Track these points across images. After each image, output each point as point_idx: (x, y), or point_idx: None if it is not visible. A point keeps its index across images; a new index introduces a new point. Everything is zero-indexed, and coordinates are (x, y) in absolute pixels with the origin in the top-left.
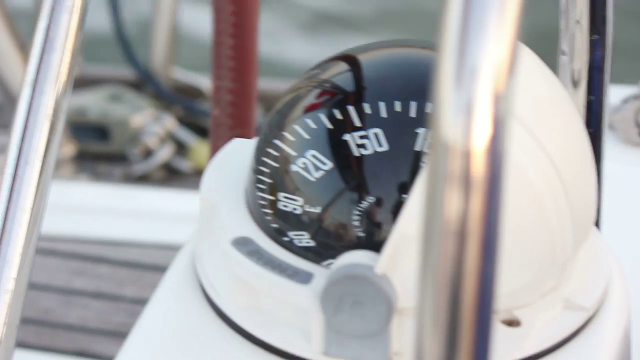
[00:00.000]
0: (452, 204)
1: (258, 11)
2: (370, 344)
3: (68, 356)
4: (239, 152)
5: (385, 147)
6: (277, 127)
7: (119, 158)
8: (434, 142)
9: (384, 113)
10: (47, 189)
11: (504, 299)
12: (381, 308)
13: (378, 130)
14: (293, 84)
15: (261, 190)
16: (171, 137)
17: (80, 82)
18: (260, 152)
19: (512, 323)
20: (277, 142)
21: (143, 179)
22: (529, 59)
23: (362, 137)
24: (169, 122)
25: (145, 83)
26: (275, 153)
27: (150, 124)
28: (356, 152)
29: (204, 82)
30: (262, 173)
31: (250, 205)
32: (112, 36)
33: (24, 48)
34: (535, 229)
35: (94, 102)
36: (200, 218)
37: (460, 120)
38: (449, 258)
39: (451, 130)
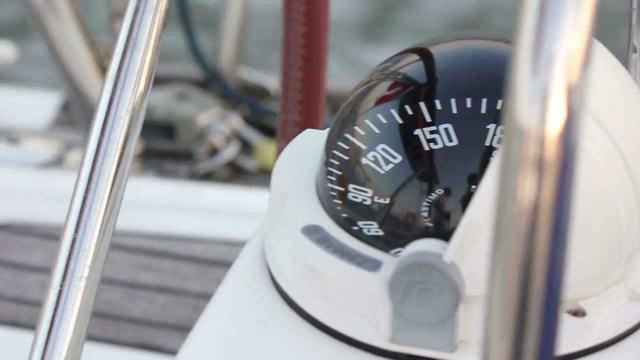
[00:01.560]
0: (525, 187)
1: (328, 12)
2: (437, 331)
3: (131, 349)
4: (310, 143)
5: (455, 141)
6: (348, 120)
7: (185, 156)
8: (509, 127)
9: (454, 109)
10: (124, 181)
11: (570, 290)
12: (449, 296)
13: (448, 126)
14: (366, 76)
15: (331, 181)
16: (237, 136)
17: None
18: (331, 144)
19: (577, 313)
20: (347, 135)
21: (208, 177)
22: (602, 53)
23: (432, 132)
24: (235, 121)
25: (212, 82)
26: (345, 146)
27: (217, 123)
28: (426, 146)
29: (271, 81)
30: (332, 165)
31: (320, 195)
32: (181, 36)
33: (94, 45)
34: (603, 220)
35: (161, 101)
36: (270, 207)
37: (535, 106)
38: (520, 241)
39: (526, 116)
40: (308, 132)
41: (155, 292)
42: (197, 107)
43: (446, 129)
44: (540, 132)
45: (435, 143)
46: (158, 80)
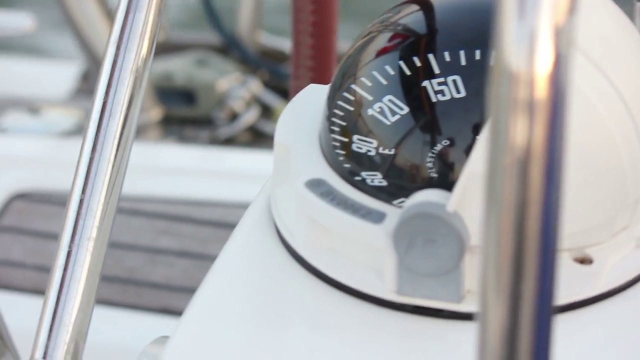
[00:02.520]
0: (516, 129)
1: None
2: (442, 282)
3: (153, 313)
4: (314, 97)
5: (462, 93)
6: (352, 72)
7: (205, 122)
8: (497, 71)
9: (463, 61)
10: (130, 142)
11: (576, 237)
12: (453, 246)
13: (457, 77)
14: (367, 28)
15: (335, 132)
16: (257, 101)
17: (166, 48)
18: (335, 96)
19: (584, 261)
20: (353, 86)
21: (229, 142)
22: (604, 2)
23: (440, 83)
24: (255, 86)
25: (231, 48)
26: (350, 97)
27: (236, 88)
28: (434, 97)
29: (289, 46)
30: (336, 116)
31: (323, 148)
32: (198, 2)
33: (110, 15)
34: (606, 167)
35: (180, 67)
36: (275, 162)
37: (523, 49)
38: (513, 184)
39: (514, 59)
40: (311, 87)
41: (176, 257)
42: (216, 72)
43: (454, 81)
44: (528, 75)
45: (443, 94)
46: (177, 47)
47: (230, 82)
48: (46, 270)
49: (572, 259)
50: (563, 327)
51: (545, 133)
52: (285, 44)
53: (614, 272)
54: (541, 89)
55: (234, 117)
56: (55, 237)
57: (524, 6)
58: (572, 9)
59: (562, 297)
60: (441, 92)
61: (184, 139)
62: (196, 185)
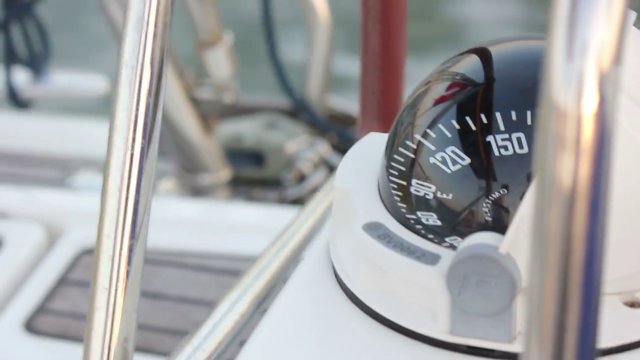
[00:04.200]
0: (562, 167)
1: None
2: (495, 322)
3: (160, 357)
4: (374, 145)
5: (525, 149)
6: (416, 121)
7: (273, 183)
8: (545, 110)
9: (529, 121)
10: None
11: (625, 281)
12: (505, 287)
13: (521, 135)
14: (427, 77)
15: (394, 175)
16: (324, 163)
17: (237, 111)
18: (395, 143)
19: (634, 305)
20: (416, 136)
21: (296, 203)
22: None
23: (504, 139)
24: (323, 148)
25: (300, 111)
26: (412, 145)
27: (305, 150)
28: (497, 152)
29: (357, 109)
30: (396, 161)
31: (381, 193)
32: (270, 66)
33: (183, 75)
34: None
35: (250, 129)
36: (335, 206)
37: (570, 90)
38: (558, 220)
39: (561, 100)
40: (371, 135)
41: (191, 304)
42: (285, 135)
43: (518, 138)
44: (575, 114)
45: (506, 150)
46: (248, 110)
47: (298, 144)
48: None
49: (622, 302)
50: None
51: (590, 172)
52: (353, 108)
53: None
54: (587, 129)
55: (302, 178)
56: None
57: (572, 48)
58: (619, 51)
59: (612, 339)
60: (505, 147)
61: (252, 199)
62: (263, 243)
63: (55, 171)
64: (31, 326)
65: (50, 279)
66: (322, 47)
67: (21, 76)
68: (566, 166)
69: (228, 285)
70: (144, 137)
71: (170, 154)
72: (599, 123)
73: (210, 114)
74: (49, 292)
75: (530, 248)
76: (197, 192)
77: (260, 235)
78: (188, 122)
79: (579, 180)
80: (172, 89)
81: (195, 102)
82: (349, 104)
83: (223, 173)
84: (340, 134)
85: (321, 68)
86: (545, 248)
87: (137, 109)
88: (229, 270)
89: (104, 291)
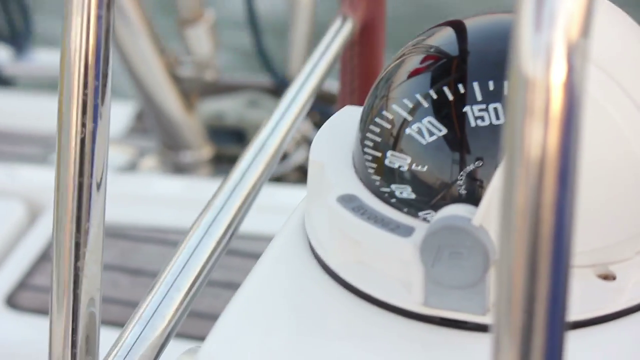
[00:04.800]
0: (531, 136)
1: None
2: (468, 294)
3: (197, 341)
4: (349, 118)
5: (502, 120)
6: (392, 92)
7: None
8: (513, 80)
9: (506, 91)
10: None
11: (600, 254)
12: (478, 259)
13: (498, 105)
14: (402, 49)
15: (368, 146)
16: (306, 141)
17: (218, 89)
18: (370, 114)
19: (607, 277)
20: (393, 106)
21: (278, 180)
22: (619, 17)
23: (481, 109)
24: (305, 126)
25: (282, 89)
26: (389, 115)
27: None
28: (473, 122)
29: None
30: (372, 132)
31: (356, 164)
32: (252, 46)
33: (164, 52)
34: (630, 184)
35: (232, 108)
36: (309, 179)
37: (538, 60)
38: (527, 188)
39: (530, 70)
40: (347, 108)
41: (222, 288)
42: (267, 112)
43: (495, 109)
44: (543, 84)
45: (483, 120)
46: (228, 88)
47: None
48: None
49: (595, 275)
50: (585, 341)
51: (558, 141)
52: (335, 86)
53: (637, 288)
54: (555, 99)
55: (284, 156)
56: (105, 266)
57: (540, 19)
58: (587, 22)
59: (584, 311)
60: (481, 117)
61: None
62: (245, 219)
63: (37, 148)
64: (13, 301)
65: (31, 255)
66: (303, 24)
67: (3, 53)
68: (535, 136)
69: None
70: (94, 120)
71: (152, 131)
72: (567, 93)
73: (192, 91)
74: (30, 268)
75: (500, 218)
76: (179, 169)
77: None
78: (169, 99)
79: (547, 150)
80: (153, 66)
81: (176, 80)
82: (331, 82)
83: (205, 150)
84: (322, 112)
85: (303, 45)
86: (514, 218)
87: (84, 93)
88: None
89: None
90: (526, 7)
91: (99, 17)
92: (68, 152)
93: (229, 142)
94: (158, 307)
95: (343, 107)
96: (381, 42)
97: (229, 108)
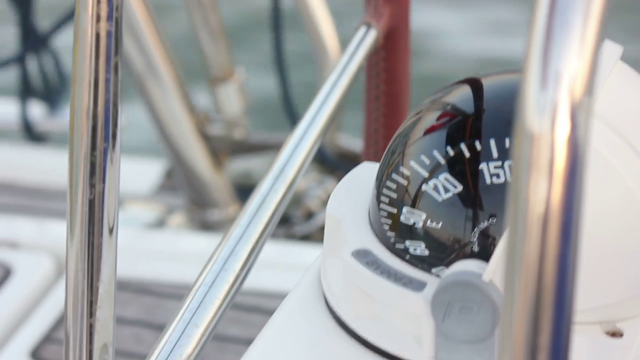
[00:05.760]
0: (535, 190)
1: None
2: (478, 349)
3: None
4: (367, 174)
5: None
6: (409, 148)
7: (282, 219)
8: (519, 136)
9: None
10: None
11: (606, 311)
12: (488, 314)
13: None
14: (418, 106)
15: (384, 202)
16: None
17: (246, 148)
18: (387, 170)
19: (614, 334)
20: (410, 162)
21: (304, 239)
22: (633, 79)
23: (497, 167)
24: (331, 186)
25: None
26: (405, 172)
27: (313, 188)
28: (488, 179)
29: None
30: (388, 188)
31: (371, 220)
32: (279, 103)
33: (193, 110)
34: (635, 242)
35: (259, 166)
36: (326, 233)
37: (544, 116)
38: (531, 241)
39: (535, 125)
40: (364, 165)
41: (244, 345)
42: None
43: (511, 166)
44: (548, 141)
45: (498, 177)
46: (258, 148)
47: (307, 182)
48: (119, 354)
49: (602, 332)
50: None
51: (562, 196)
52: (359, 145)
53: None
54: (559, 155)
55: (310, 215)
56: (129, 322)
57: (546, 78)
58: (591, 81)
59: None
60: (497, 174)
61: None
62: (270, 277)
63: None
64: (38, 355)
65: (57, 309)
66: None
67: (36, 109)
68: (539, 191)
69: (233, 318)
70: (102, 181)
71: (180, 188)
72: (571, 149)
73: (221, 150)
74: (55, 322)
75: (504, 271)
76: (207, 227)
77: (267, 271)
78: (198, 157)
79: (551, 205)
80: (183, 124)
81: (206, 138)
82: (358, 142)
83: (232, 208)
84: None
85: None
86: (518, 270)
87: (92, 154)
88: (235, 303)
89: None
90: (533, 65)
91: (106, 80)
92: (78, 213)
93: None
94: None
95: (368, 117)
96: (406, 49)
97: (257, 167)
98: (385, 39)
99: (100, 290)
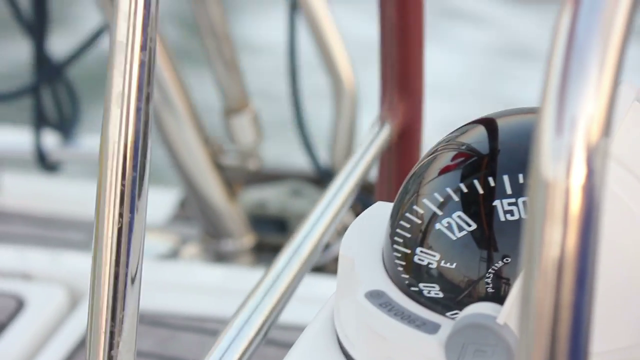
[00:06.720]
0: (550, 237)
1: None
2: None
3: None
4: (380, 213)
5: None
6: (422, 187)
7: None
8: (534, 183)
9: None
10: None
11: (625, 352)
12: (502, 357)
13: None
14: (433, 146)
15: (398, 243)
16: None
17: (262, 178)
18: (401, 209)
19: None
20: (423, 201)
21: (318, 270)
22: None
23: (510, 204)
24: (347, 217)
25: (325, 179)
26: (419, 210)
27: None
28: (502, 217)
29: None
30: (402, 228)
31: (385, 261)
32: (295, 134)
33: (208, 141)
34: None
35: (274, 196)
36: (339, 274)
37: (559, 162)
38: (546, 290)
39: (550, 172)
40: (379, 204)
41: None
42: (310, 202)
43: (525, 202)
44: (563, 187)
45: (512, 215)
46: (273, 177)
47: None
48: None
49: None
50: None
51: (577, 243)
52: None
53: None
54: (574, 201)
55: (325, 246)
56: (143, 354)
57: (561, 123)
58: (607, 125)
59: None
60: (511, 212)
61: None
62: (284, 309)
63: (82, 234)
64: None
65: (70, 341)
66: (347, 115)
67: (50, 139)
68: (554, 238)
69: None
70: (130, 211)
71: (194, 219)
72: (586, 196)
73: (235, 180)
74: (69, 354)
75: (519, 318)
76: (221, 257)
77: None
78: (212, 188)
79: (566, 252)
80: (197, 155)
81: (220, 169)
82: (373, 173)
83: (247, 239)
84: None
85: (346, 136)
86: (533, 318)
87: (122, 184)
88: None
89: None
90: (548, 110)
91: (138, 110)
92: (104, 242)
93: (271, 231)
94: None
95: (380, 196)
96: (418, 147)
97: (272, 197)
98: (398, 138)
99: (124, 323)
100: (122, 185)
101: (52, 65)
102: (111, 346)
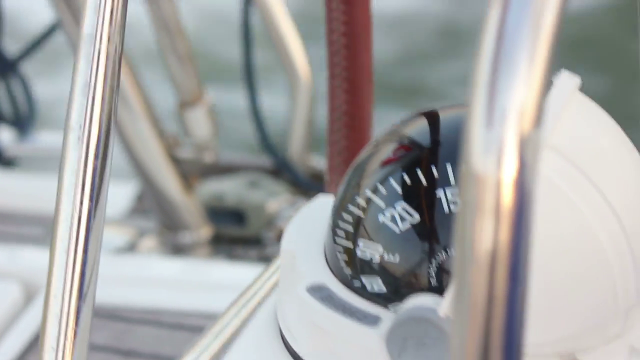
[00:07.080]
0: (482, 231)
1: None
2: None
3: None
4: (323, 207)
5: None
6: (365, 179)
7: (255, 241)
8: (465, 176)
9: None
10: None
11: (566, 342)
12: (444, 349)
13: None
14: (375, 138)
15: (340, 237)
16: None
17: (219, 170)
18: (343, 202)
19: None
20: (366, 192)
21: (267, 260)
22: (591, 110)
23: (455, 194)
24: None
25: (282, 170)
26: (362, 203)
27: (286, 209)
28: (446, 208)
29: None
30: (343, 220)
31: (327, 254)
32: (251, 125)
33: (163, 135)
34: (595, 274)
35: (232, 188)
36: (281, 268)
37: (490, 155)
38: (479, 284)
39: (481, 165)
40: (321, 197)
41: None
42: (267, 194)
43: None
44: (494, 181)
45: (456, 205)
46: (230, 169)
47: (280, 203)
48: None
49: None
50: None
51: (509, 237)
52: None
53: None
54: (506, 195)
55: (282, 237)
56: (98, 348)
57: (491, 115)
58: (539, 117)
59: None
60: (455, 202)
61: (233, 258)
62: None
63: (38, 229)
64: None
65: (25, 337)
66: (303, 106)
67: (6, 135)
68: (485, 232)
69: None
70: (91, 199)
71: (151, 212)
72: (518, 189)
73: (191, 173)
74: (24, 350)
75: (453, 312)
76: (178, 250)
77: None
78: (169, 181)
79: (498, 246)
80: (152, 148)
81: (175, 161)
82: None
83: (204, 231)
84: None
85: (303, 127)
86: (466, 312)
87: (84, 171)
88: (199, 326)
89: (51, 351)
90: (478, 102)
91: (103, 99)
92: (63, 231)
93: (228, 223)
94: None
95: (331, 188)
96: (368, 136)
97: (229, 189)
98: (347, 126)
99: (81, 315)
100: (84, 173)
101: (7, 61)
102: (65, 338)
